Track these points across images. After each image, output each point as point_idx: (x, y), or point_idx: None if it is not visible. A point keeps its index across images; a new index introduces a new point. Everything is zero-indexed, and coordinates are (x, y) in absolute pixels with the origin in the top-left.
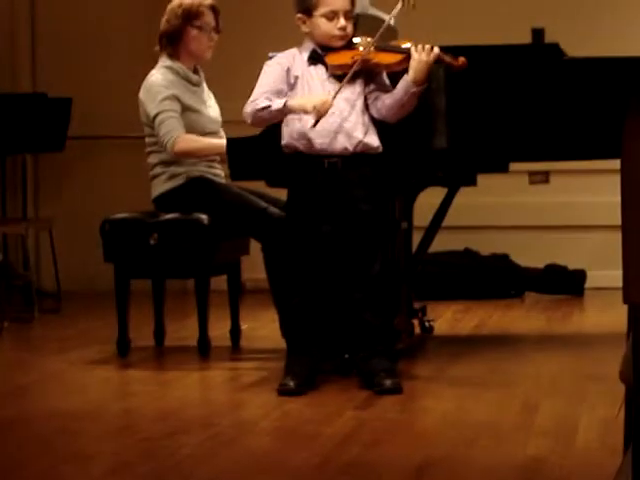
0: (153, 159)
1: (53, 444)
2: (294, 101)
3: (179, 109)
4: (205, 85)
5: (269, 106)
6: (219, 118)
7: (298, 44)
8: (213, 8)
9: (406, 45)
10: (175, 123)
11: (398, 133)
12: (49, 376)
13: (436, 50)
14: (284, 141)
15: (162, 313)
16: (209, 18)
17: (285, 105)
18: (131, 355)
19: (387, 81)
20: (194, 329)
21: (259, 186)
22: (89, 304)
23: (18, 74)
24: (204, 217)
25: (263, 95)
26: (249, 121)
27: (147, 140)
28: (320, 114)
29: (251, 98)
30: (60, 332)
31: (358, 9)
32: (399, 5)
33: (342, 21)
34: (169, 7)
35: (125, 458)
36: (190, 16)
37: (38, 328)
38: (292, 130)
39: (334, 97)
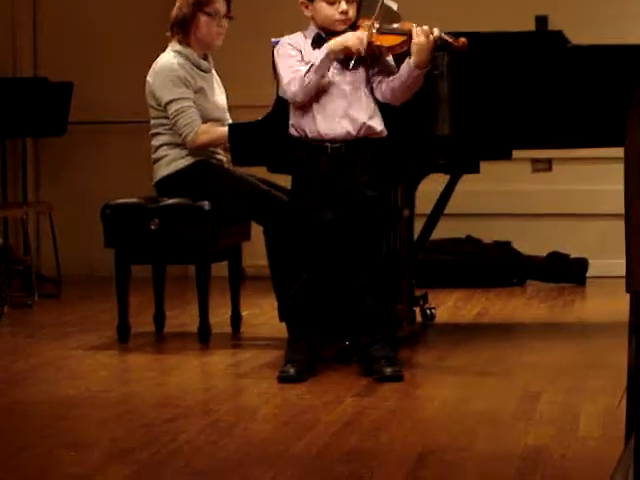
0: (157, 141)
1: (52, 430)
2: (333, 45)
3: (192, 95)
4: (215, 73)
5: (311, 65)
6: (225, 106)
7: (305, 29)
8: None
9: (407, 27)
10: (194, 114)
11: (401, 119)
12: (48, 362)
13: (436, 32)
14: (291, 119)
15: (162, 299)
16: (220, 5)
17: (328, 51)
18: (131, 341)
19: (392, 63)
20: (194, 315)
21: (261, 172)
22: (89, 289)
23: (19, 58)
24: (205, 203)
25: (296, 66)
26: (300, 96)
27: (152, 122)
28: (360, 54)
29: (286, 79)
30: (60, 317)
31: None
32: None
33: (343, 5)
34: None
35: (124, 444)
36: (201, 3)
37: (38, 313)
38: (300, 110)
39: (370, 34)
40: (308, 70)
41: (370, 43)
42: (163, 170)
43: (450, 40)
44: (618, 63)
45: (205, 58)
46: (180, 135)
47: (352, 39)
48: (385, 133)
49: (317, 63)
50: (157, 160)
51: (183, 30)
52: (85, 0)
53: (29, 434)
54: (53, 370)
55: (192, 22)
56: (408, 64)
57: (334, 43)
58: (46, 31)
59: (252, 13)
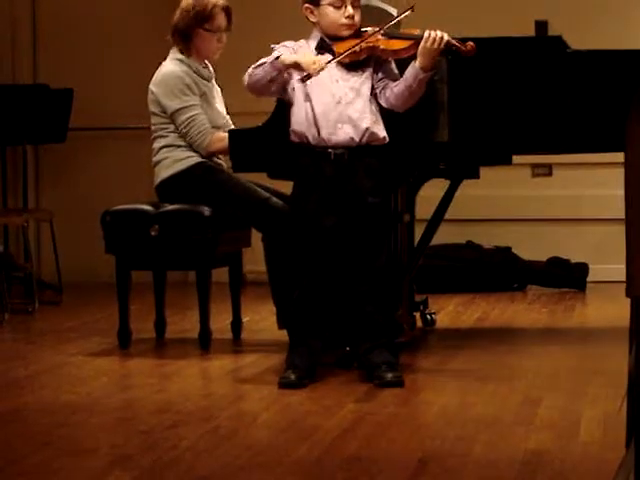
0: (158, 143)
1: (53, 436)
2: (286, 56)
3: (199, 101)
4: (215, 83)
5: (264, 62)
6: (226, 114)
7: (306, 37)
8: (226, 9)
9: (415, 33)
10: (205, 121)
11: (400, 125)
12: (49, 368)
13: (446, 36)
14: (292, 126)
15: (163, 305)
16: (221, 20)
17: (277, 58)
18: (132, 347)
19: (395, 70)
20: (195, 321)
21: (261, 178)
22: (90, 295)
23: (19, 65)
24: (205, 209)
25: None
26: (246, 82)
27: (153, 127)
28: (310, 73)
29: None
30: (61, 324)
31: (363, 0)
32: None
33: (350, 9)
34: (183, 3)
35: (125, 450)
36: (202, 19)
37: (39, 320)
38: (301, 117)
39: (328, 62)
40: (260, 65)
41: (376, 47)
42: (164, 172)
43: (458, 45)
44: (618, 68)
45: (205, 66)
46: (194, 143)
47: (306, 59)
48: (387, 139)
49: (267, 61)
50: (158, 162)
51: (183, 40)
52: (85, 7)
53: (30, 440)
54: (54, 376)
55: (192, 35)
56: (413, 67)
57: (289, 56)
58: (46, 38)
59: (252, 19)
